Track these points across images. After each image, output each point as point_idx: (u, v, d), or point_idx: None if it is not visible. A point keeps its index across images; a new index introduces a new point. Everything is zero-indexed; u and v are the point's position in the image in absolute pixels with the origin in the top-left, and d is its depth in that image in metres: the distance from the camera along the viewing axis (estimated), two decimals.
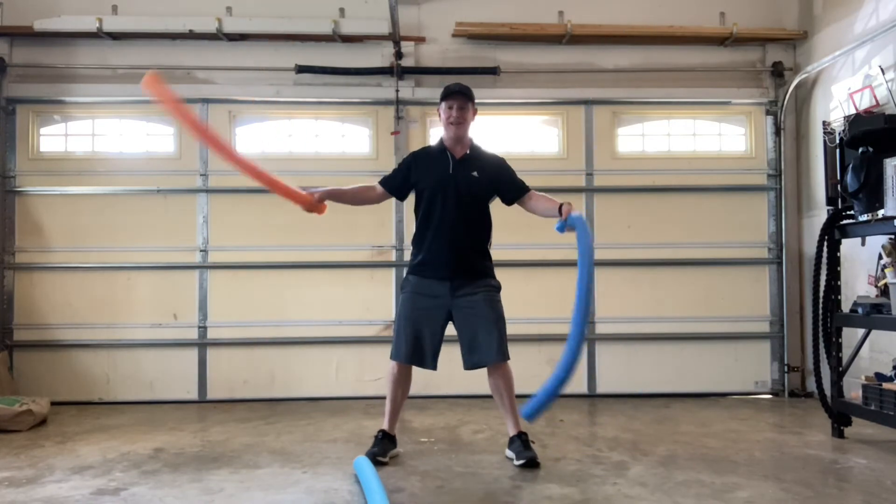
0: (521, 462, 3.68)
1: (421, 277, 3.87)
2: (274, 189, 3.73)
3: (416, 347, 3.81)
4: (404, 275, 4.04)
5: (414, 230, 3.96)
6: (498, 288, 3.94)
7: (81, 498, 3.27)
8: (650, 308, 6.08)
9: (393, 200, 5.93)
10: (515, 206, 3.96)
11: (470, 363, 3.82)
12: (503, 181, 3.91)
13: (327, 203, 3.77)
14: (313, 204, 3.72)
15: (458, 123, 3.84)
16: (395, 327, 3.93)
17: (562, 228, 3.62)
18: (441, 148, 3.92)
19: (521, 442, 3.78)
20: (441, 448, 4.18)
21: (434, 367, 3.86)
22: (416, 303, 3.85)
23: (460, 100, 3.83)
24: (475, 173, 3.85)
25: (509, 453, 3.83)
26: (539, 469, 3.64)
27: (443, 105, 3.87)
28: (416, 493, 3.31)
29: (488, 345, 3.77)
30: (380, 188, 3.99)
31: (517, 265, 6.04)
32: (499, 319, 3.85)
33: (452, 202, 3.81)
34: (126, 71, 6.06)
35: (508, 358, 3.84)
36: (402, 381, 3.89)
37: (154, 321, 5.95)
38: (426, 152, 4.03)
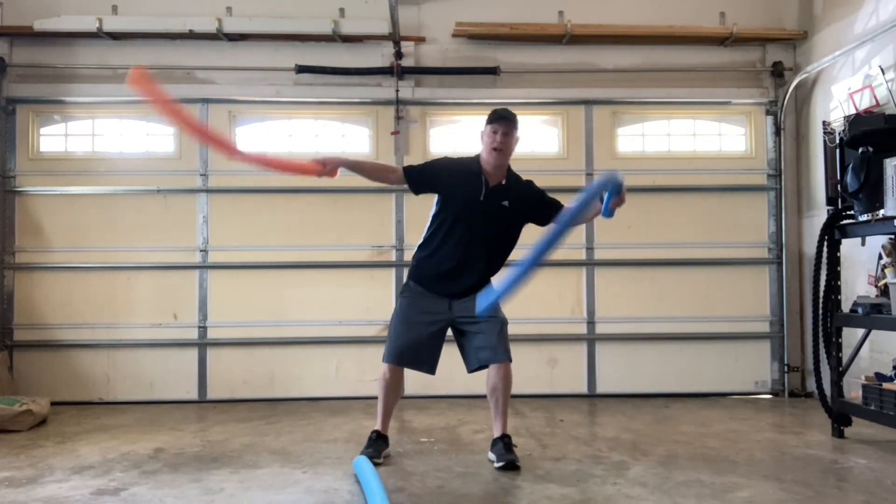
0: (501, 465, 3.66)
1: (422, 289, 3.83)
2: (280, 169, 3.72)
3: (414, 351, 3.79)
4: (406, 277, 3.99)
5: (425, 233, 3.87)
6: None
7: (81, 498, 3.27)
8: (650, 308, 6.08)
9: (393, 201, 6.03)
10: None
11: (476, 363, 3.80)
12: (534, 207, 3.83)
13: (339, 171, 3.65)
14: (323, 172, 3.60)
15: (501, 150, 3.73)
16: (391, 330, 3.87)
17: (607, 212, 3.34)
18: (477, 170, 3.78)
19: (503, 444, 3.76)
20: (441, 448, 4.18)
21: (433, 372, 3.86)
22: (415, 310, 3.81)
23: (506, 125, 3.73)
24: (506, 203, 3.76)
25: (491, 455, 3.81)
26: (518, 472, 3.62)
27: (488, 128, 3.76)
28: (416, 493, 3.31)
29: (495, 345, 3.75)
30: (400, 173, 3.84)
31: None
32: (504, 321, 3.85)
33: (477, 230, 3.74)
34: (126, 71, 5.98)
35: (511, 360, 3.82)
36: (394, 384, 3.86)
37: (154, 321, 5.95)
38: (463, 166, 3.85)
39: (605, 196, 3.33)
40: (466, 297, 3.78)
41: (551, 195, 3.89)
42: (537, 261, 3.04)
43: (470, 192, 3.76)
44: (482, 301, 3.42)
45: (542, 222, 3.84)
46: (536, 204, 3.85)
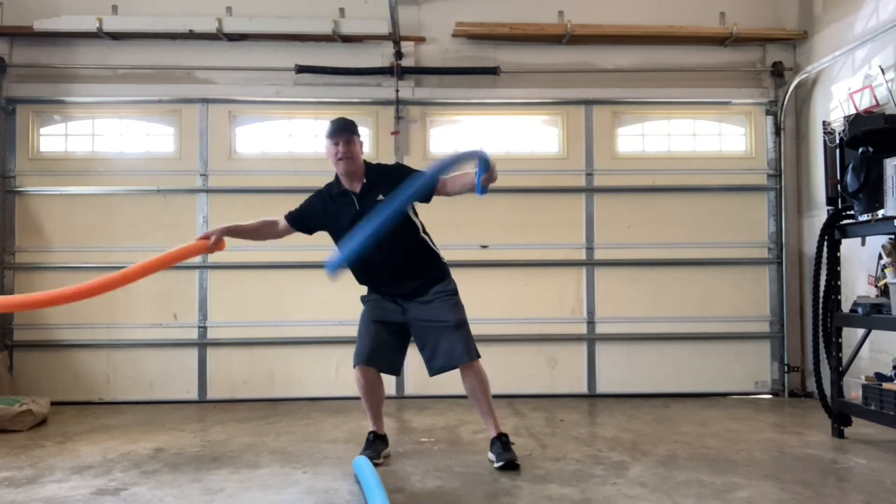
0: (501, 464, 3.66)
1: (379, 295, 3.84)
2: (167, 265, 3.69)
3: (376, 351, 3.77)
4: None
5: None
6: (453, 291, 3.83)
7: (81, 498, 3.27)
8: (650, 308, 6.08)
9: None
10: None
11: (432, 370, 3.76)
12: (408, 185, 3.69)
13: (225, 240, 3.70)
14: (210, 248, 3.65)
15: (347, 159, 3.67)
16: (357, 335, 3.86)
17: (480, 189, 3.40)
18: (340, 189, 3.75)
19: (501, 444, 3.75)
20: (441, 448, 4.18)
21: (397, 374, 3.93)
22: (375, 312, 3.82)
23: (345, 135, 3.68)
24: (381, 196, 3.64)
25: (490, 455, 3.80)
26: (518, 471, 3.62)
27: (328, 143, 3.71)
28: (416, 493, 3.31)
29: (450, 348, 3.70)
30: (283, 223, 3.87)
31: (517, 265, 6.05)
32: (459, 321, 3.75)
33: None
34: (126, 71, 6.06)
35: (478, 356, 3.75)
36: (369, 386, 3.83)
37: (154, 321, 5.95)
38: (327, 195, 3.82)
39: (477, 173, 3.37)
40: (417, 297, 3.75)
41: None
42: (380, 227, 3.15)
43: (346, 211, 3.71)
44: (330, 263, 3.35)
45: (425, 200, 3.68)
46: (409, 181, 3.58)
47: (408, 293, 3.77)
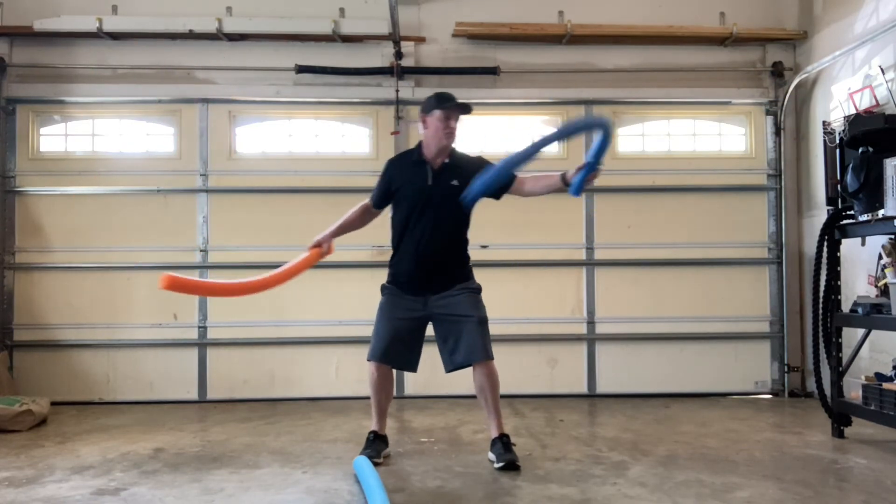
0: (501, 465, 3.65)
1: (398, 288, 3.86)
2: (287, 279, 3.80)
3: (395, 348, 3.78)
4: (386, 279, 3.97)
5: (391, 240, 3.92)
6: (478, 290, 3.89)
7: (81, 498, 3.27)
8: (650, 308, 6.08)
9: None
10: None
11: (452, 364, 3.77)
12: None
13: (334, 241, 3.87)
14: (324, 254, 3.83)
15: (453, 135, 3.75)
16: (374, 329, 3.88)
17: (577, 190, 3.47)
18: (419, 159, 3.81)
19: (502, 444, 3.75)
20: (441, 448, 4.18)
21: (414, 370, 3.90)
22: (393, 307, 3.83)
23: (463, 112, 3.75)
24: (455, 181, 3.71)
25: (491, 456, 3.80)
26: (519, 471, 3.62)
27: (439, 114, 3.72)
28: (416, 493, 3.31)
29: (471, 344, 3.71)
30: (369, 203, 3.97)
31: (517, 265, 6.05)
32: (482, 319, 3.79)
33: (429, 216, 3.74)
34: (126, 71, 6.06)
35: (492, 357, 3.77)
36: (382, 382, 3.85)
37: (154, 321, 5.95)
38: (404, 161, 3.92)
39: (584, 169, 3.40)
40: (440, 292, 3.78)
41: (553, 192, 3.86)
42: (513, 164, 3.30)
43: (418, 181, 3.78)
44: (474, 187, 3.39)
45: (496, 195, 3.76)
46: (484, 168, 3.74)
47: (434, 285, 3.78)
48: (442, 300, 3.78)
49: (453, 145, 3.85)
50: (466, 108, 3.79)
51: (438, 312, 3.78)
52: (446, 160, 3.80)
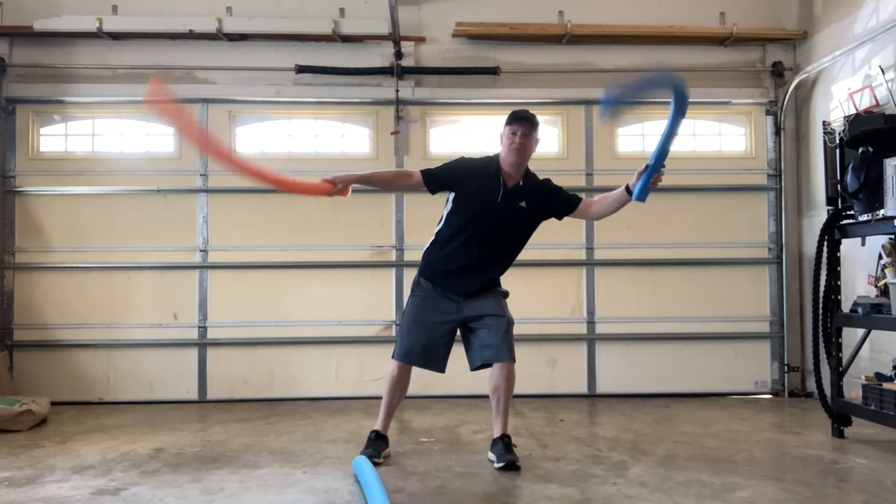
0: (501, 465, 3.66)
1: (432, 286, 3.84)
2: (289, 189, 3.70)
3: (425, 351, 3.79)
4: (417, 274, 3.94)
5: (439, 231, 3.86)
6: (506, 294, 3.97)
7: (81, 498, 3.27)
8: (650, 308, 6.08)
9: (393, 201, 6.03)
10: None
11: (479, 361, 3.79)
12: (552, 203, 3.87)
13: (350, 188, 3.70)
14: (335, 192, 3.63)
15: (520, 150, 3.73)
16: (402, 328, 3.89)
17: (641, 196, 3.51)
18: (496, 171, 3.78)
19: (503, 445, 3.76)
20: (441, 448, 4.18)
21: (443, 371, 3.87)
22: (426, 309, 3.83)
23: (526, 126, 3.74)
24: (523, 203, 3.78)
25: (491, 455, 3.81)
26: (519, 472, 3.62)
27: (507, 130, 3.76)
28: (416, 493, 3.31)
29: (500, 343, 3.75)
30: (418, 177, 3.80)
31: (517, 265, 5.98)
32: (510, 321, 3.86)
33: (492, 232, 3.76)
34: (126, 71, 6.06)
35: (515, 360, 3.81)
36: (401, 382, 3.86)
37: (154, 321, 5.95)
38: (482, 166, 3.84)
39: (642, 179, 3.46)
40: (476, 296, 3.80)
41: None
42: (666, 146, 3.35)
43: (488, 193, 3.76)
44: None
45: (560, 217, 3.91)
46: (553, 200, 3.88)
47: (472, 290, 3.80)
48: (475, 302, 3.81)
49: (528, 167, 3.85)
50: (528, 120, 3.77)
51: (471, 314, 3.81)
52: (520, 182, 3.80)
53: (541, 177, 3.92)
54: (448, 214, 3.86)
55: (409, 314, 3.88)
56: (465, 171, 3.83)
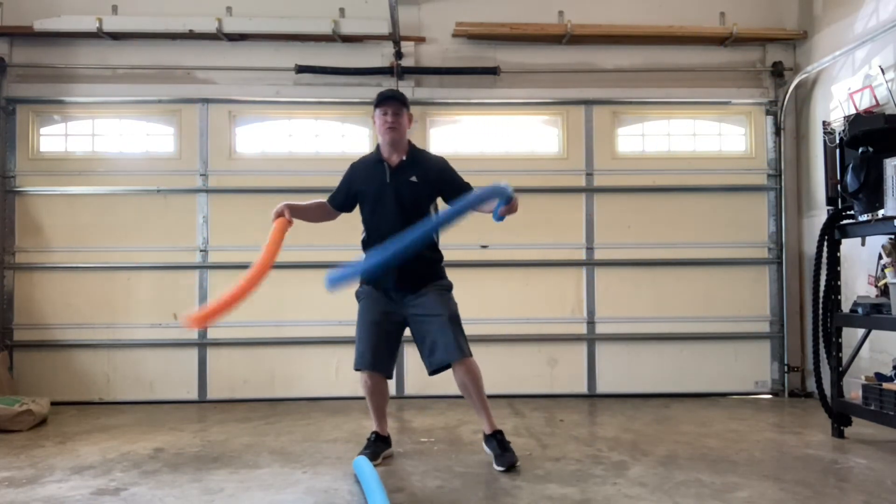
0: (502, 468, 3.64)
1: (372, 288, 3.83)
2: (270, 259, 3.77)
3: (374, 352, 3.75)
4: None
5: (362, 237, 3.93)
6: (448, 287, 3.88)
7: (81, 498, 3.27)
8: (650, 308, 6.08)
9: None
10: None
11: (432, 365, 3.73)
12: (445, 182, 3.83)
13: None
14: (287, 224, 3.77)
15: (393, 129, 3.77)
16: (357, 337, 3.83)
17: (497, 217, 3.59)
18: (377, 158, 3.86)
19: (497, 442, 3.74)
20: (441, 448, 4.18)
21: (390, 376, 3.87)
22: (370, 312, 3.80)
23: (394, 105, 3.78)
24: (413, 178, 3.78)
25: (487, 451, 3.79)
26: (518, 472, 3.60)
27: (377, 112, 3.81)
28: (416, 493, 3.31)
29: (446, 343, 3.67)
30: (330, 206, 3.96)
31: (517, 265, 6.05)
32: (453, 316, 3.75)
33: (391, 212, 3.75)
34: (126, 71, 6.06)
35: (469, 354, 3.73)
36: (374, 388, 3.82)
37: (154, 321, 5.95)
38: (363, 162, 3.95)
39: (497, 203, 3.52)
40: (415, 291, 3.76)
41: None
42: (413, 243, 3.31)
43: (378, 179, 3.82)
44: (332, 275, 3.40)
45: (448, 200, 3.79)
46: (447, 178, 3.85)
47: (406, 283, 3.76)
48: (416, 300, 3.76)
49: (411, 142, 3.90)
50: (395, 98, 3.82)
51: (412, 313, 3.76)
52: (403, 157, 3.83)
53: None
54: (362, 218, 3.90)
55: (358, 322, 3.85)
56: (354, 174, 3.93)
